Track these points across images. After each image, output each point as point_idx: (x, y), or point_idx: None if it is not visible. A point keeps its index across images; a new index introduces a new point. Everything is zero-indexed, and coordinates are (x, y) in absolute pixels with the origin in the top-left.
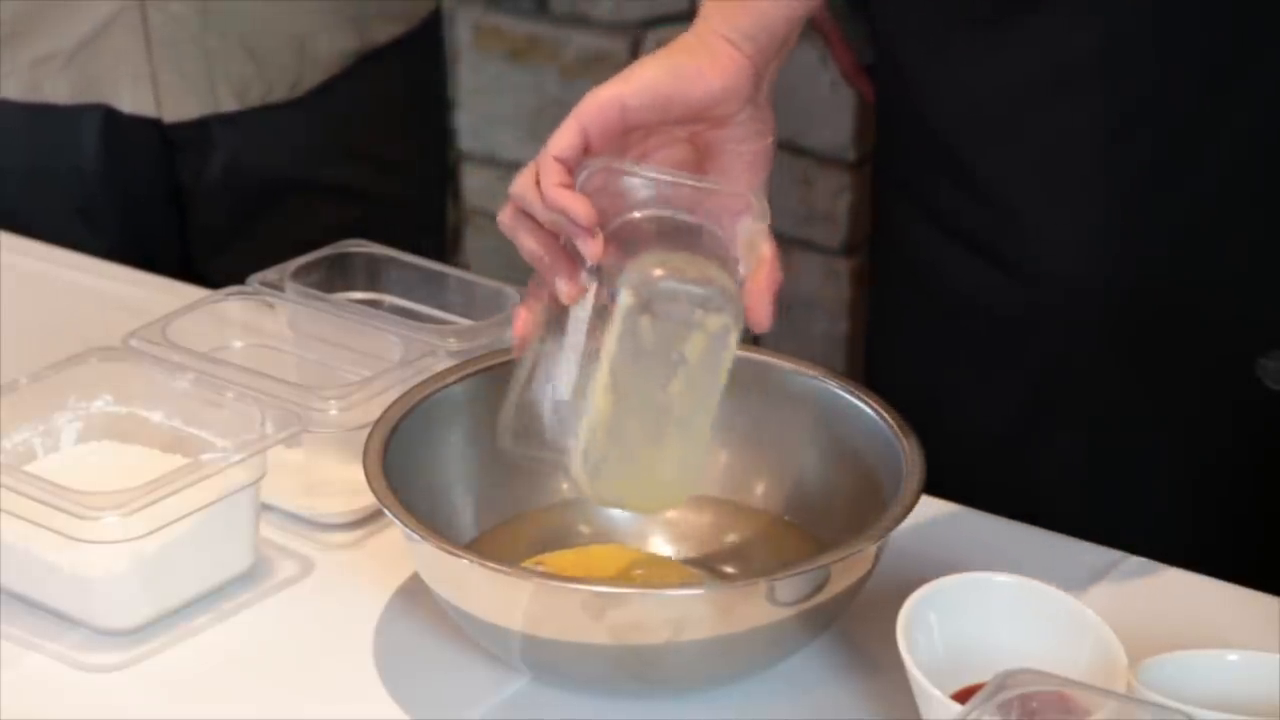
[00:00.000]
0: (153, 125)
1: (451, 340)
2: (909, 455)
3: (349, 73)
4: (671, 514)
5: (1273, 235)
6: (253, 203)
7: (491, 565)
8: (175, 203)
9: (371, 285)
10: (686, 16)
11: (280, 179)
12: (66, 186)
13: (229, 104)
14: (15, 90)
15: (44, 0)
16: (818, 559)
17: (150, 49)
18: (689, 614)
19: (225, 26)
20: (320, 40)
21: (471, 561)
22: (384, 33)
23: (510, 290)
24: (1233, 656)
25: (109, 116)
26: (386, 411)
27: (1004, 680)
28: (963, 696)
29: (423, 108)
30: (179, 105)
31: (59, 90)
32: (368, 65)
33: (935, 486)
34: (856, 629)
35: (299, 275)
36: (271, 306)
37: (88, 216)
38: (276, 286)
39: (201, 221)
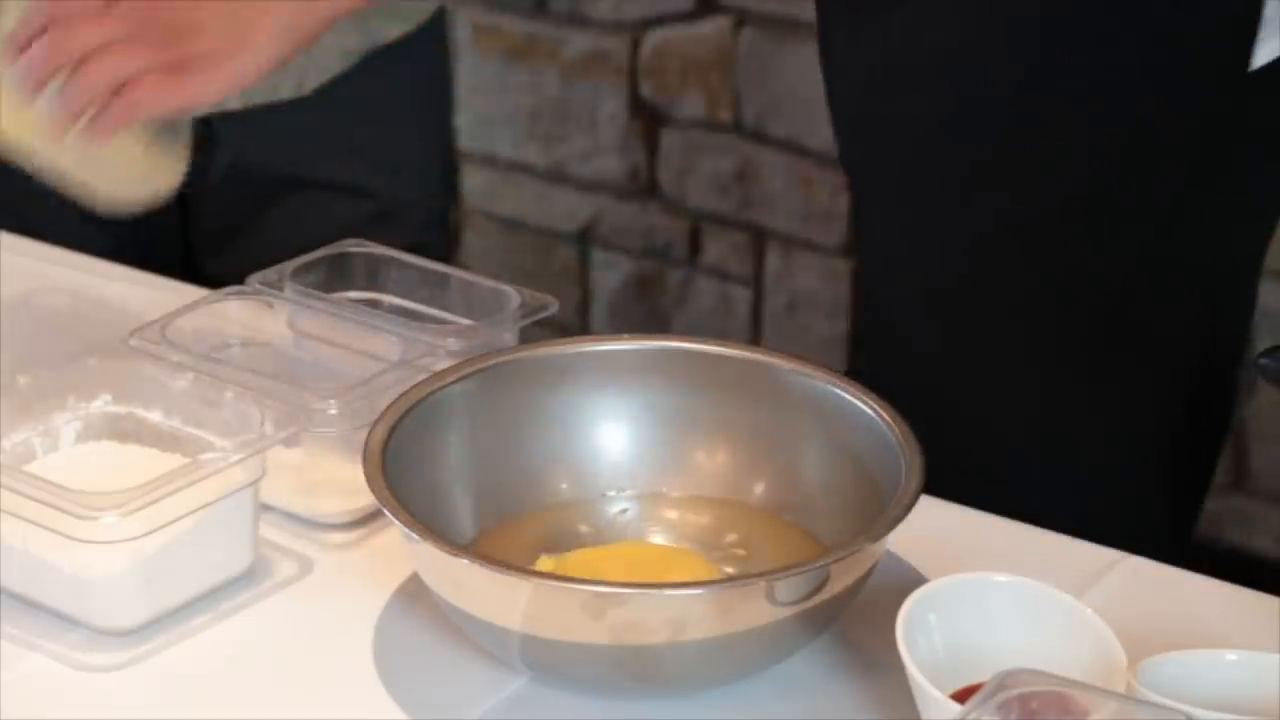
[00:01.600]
0: None
1: (451, 340)
2: (909, 455)
3: (355, 71)
4: (671, 514)
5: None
6: (256, 201)
7: (491, 565)
8: (177, 202)
9: (371, 285)
10: (687, 16)
11: (284, 178)
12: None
13: (233, 102)
14: None
15: None
16: (818, 559)
17: None
18: (688, 614)
19: None
20: (325, 39)
21: (471, 561)
22: (390, 31)
23: (510, 290)
24: (1233, 656)
25: None
26: (386, 411)
27: (1003, 680)
28: (962, 696)
29: (428, 107)
30: None
31: None
32: (374, 64)
33: (935, 486)
34: (856, 629)
35: (298, 275)
36: (271, 306)
37: (89, 216)
38: (276, 286)
39: (204, 221)
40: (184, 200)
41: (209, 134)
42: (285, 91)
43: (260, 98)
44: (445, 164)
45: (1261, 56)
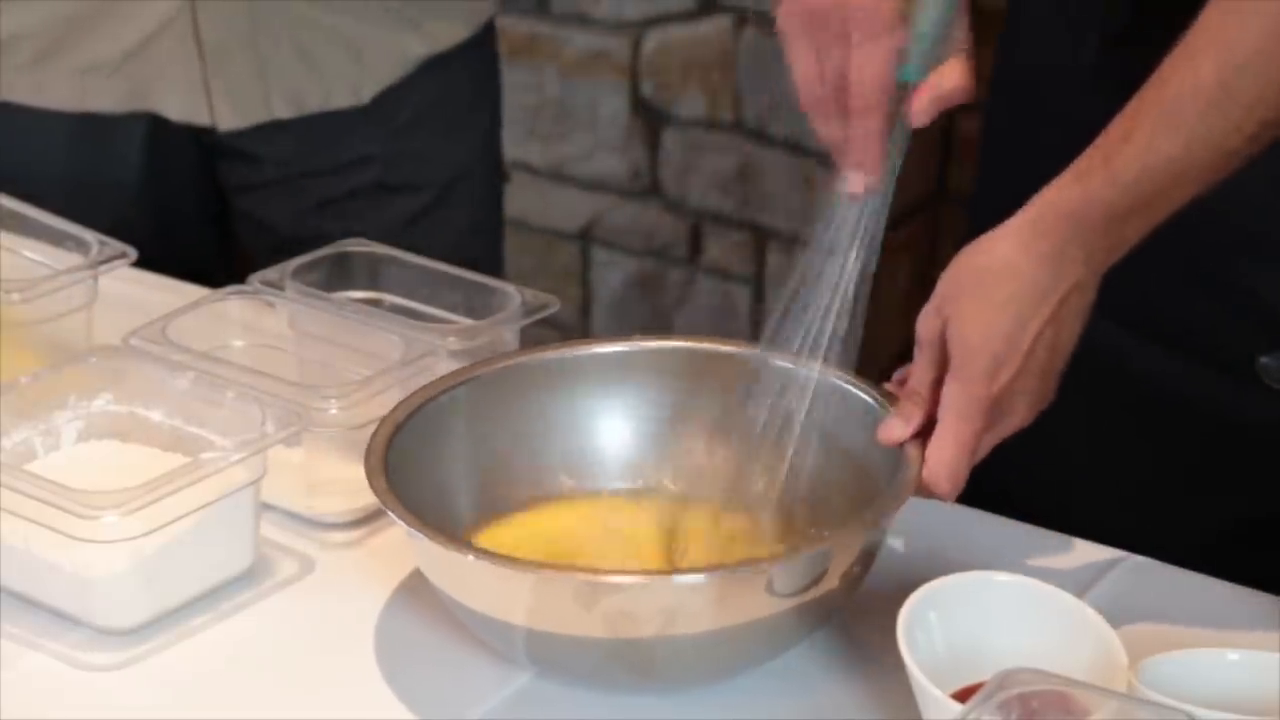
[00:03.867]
0: (198, 134)
1: (451, 340)
2: (907, 449)
3: (410, 79)
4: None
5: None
6: (306, 209)
7: (491, 558)
8: (218, 209)
9: (372, 285)
10: (688, 16)
11: (333, 186)
12: (108, 196)
13: (284, 111)
14: (61, 99)
15: (92, 7)
16: (815, 545)
17: (203, 58)
18: (685, 603)
19: (278, 35)
20: (379, 47)
21: (475, 557)
22: (448, 37)
23: (511, 289)
24: (1233, 656)
25: (155, 124)
26: (391, 413)
27: (1004, 680)
28: (963, 696)
29: (480, 110)
30: (233, 113)
31: (105, 99)
32: (429, 71)
33: None
34: (857, 628)
35: (299, 274)
36: (272, 306)
37: (128, 226)
38: (277, 285)
39: (249, 227)
40: (229, 206)
41: (259, 143)
42: (341, 100)
43: (315, 107)
44: (494, 166)
45: None
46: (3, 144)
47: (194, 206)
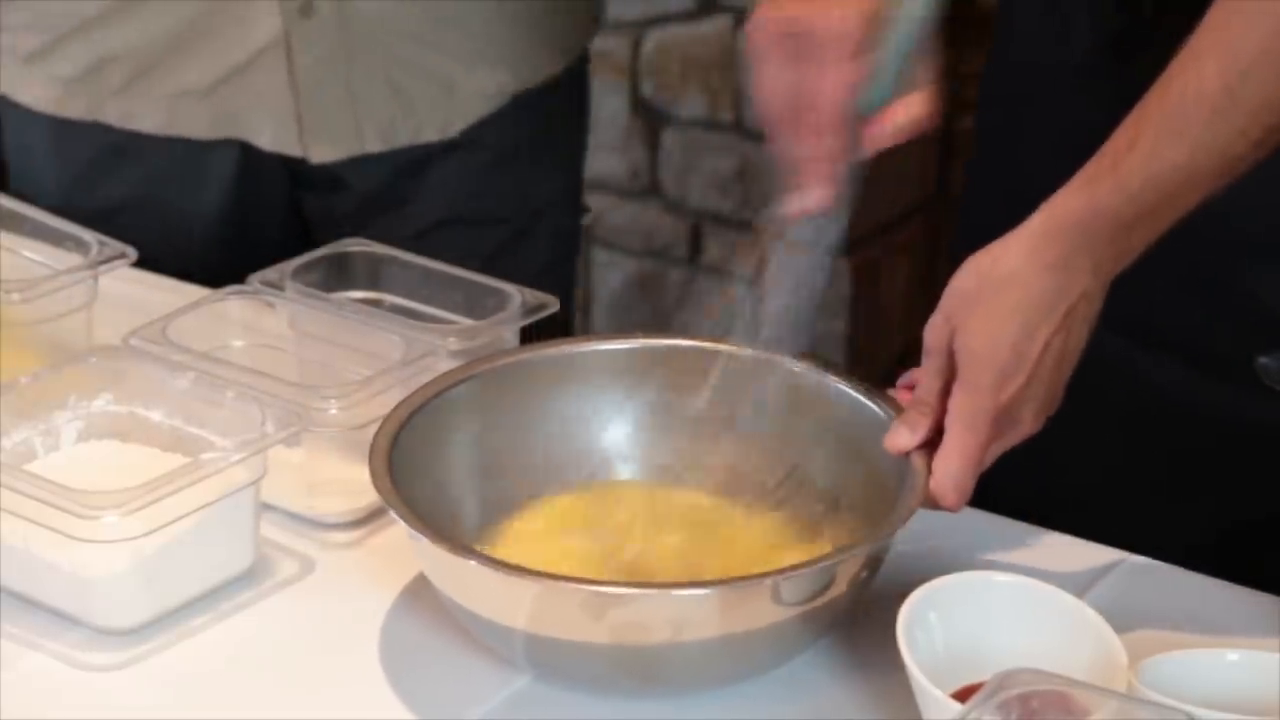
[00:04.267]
0: (286, 164)
1: (451, 340)
2: (914, 459)
3: (501, 113)
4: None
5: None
6: (390, 243)
7: (495, 565)
8: (298, 241)
9: (372, 285)
10: (687, 16)
11: (419, 219)
12: (192, 222)
13: (375, 145)
14: (152, 123)
15: (185, 34)
16: (822, 559)
17: (296, 89)
18: (692, 613)
19: (371, 69)
20: (471, 81)
21: (477, 562)
22: (542, 72)
23: (511, 289)
24: (1233, 656)
25: (245, 151)
26: (393, 411)
27: (1004, 680)
28: (963, 696)
29: (567, 145)
30: (324, 146)
31: (194, 125)
32: (520, 105)
33: None
34: (857, 628)
35: (299, 274)
36: (272, 306)
37: (210, 250)
38: (277, 286)
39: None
40: (313, 237)
41: (347, 174)
42: (431, 134)
43: (404, 140)
44: (577, 198)
45: None
46: (94, 163)
47: (278, 234)
